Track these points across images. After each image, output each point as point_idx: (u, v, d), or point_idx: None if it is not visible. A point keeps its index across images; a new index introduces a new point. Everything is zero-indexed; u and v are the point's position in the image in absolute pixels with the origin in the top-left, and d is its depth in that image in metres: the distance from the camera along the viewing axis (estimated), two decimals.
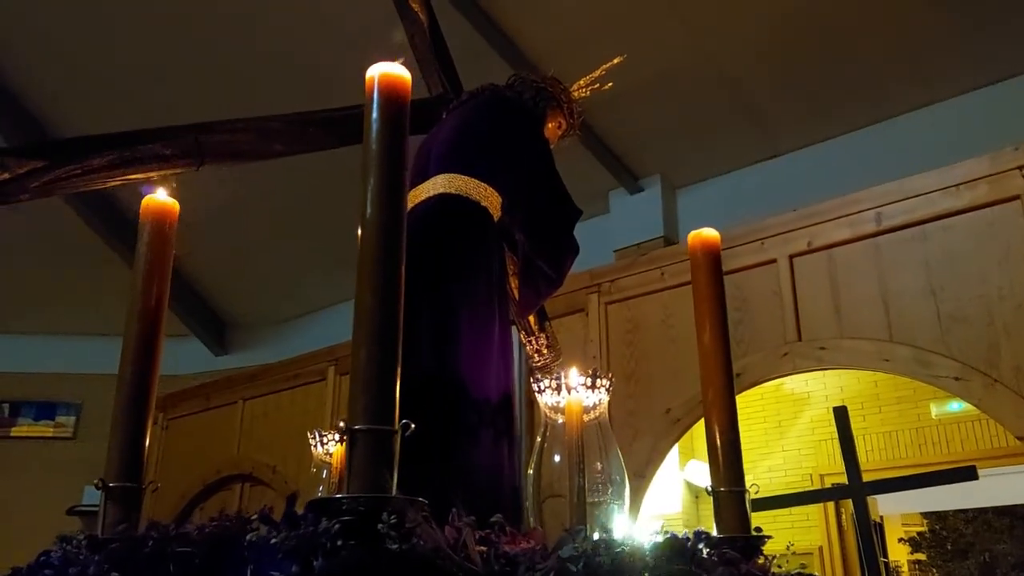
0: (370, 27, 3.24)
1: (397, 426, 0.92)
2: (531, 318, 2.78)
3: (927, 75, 5.27)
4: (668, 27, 5.23)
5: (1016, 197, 3.80)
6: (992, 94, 5.20)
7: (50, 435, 7.40)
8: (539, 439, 1.43)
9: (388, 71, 1.10)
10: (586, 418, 1.39)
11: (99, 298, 6.35)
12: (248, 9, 5.31)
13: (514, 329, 2.65)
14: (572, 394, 1.36)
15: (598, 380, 1.41)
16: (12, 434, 7.42)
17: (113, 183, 2.48)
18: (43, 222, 5.66)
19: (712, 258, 1.52)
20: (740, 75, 5.52)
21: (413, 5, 3.25)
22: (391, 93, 1.09)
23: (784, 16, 5.07)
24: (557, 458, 1.39)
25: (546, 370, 2.62)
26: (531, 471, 1.41)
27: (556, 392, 1.39)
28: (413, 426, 0.90)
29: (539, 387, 1.42)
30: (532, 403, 1.64)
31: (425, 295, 1.97)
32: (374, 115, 1.08)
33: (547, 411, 1.42)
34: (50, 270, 6.79)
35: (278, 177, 4.69)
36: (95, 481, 1.24)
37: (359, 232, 1.03)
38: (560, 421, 1.38)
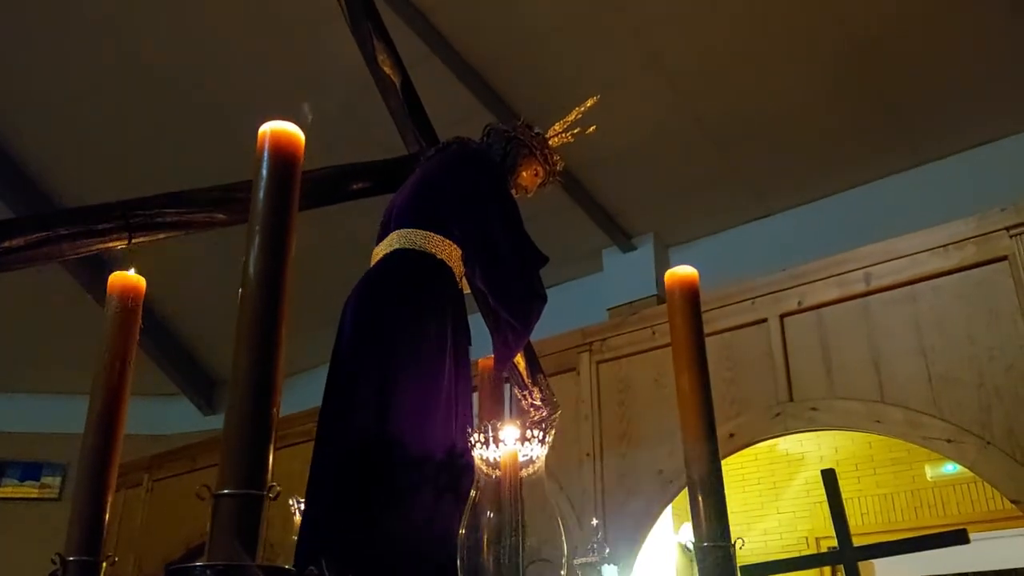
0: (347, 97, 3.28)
1: (265, 491, 0.89)
2: (523, 372, 2.68)
3: (914, 138, 5.32)
4: (659, 90, 5.28)
5: (1004, 258, 3.78)
6: (978, 156, 5.23)
7: (35, 496, 7.29)
8: (472, 496, 1.38)
9: (280, 128, 1.09)
10: (524, 473, 1.34)
11: (86, 356, 6.29)
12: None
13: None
14: (503, 447, 1.32)
15: (529, 433, 1.36)
16: None
17: (40, 262, 2.47)
18: (30, 279, 5.64)
19: (690, 298, 1.42)
20: (730, 136, 5.56)
21: (384, 68, 3.29)
22: (281, 151, 1.07)
23: (771, 79, 5.13)
24: (490, 515, 1.33)
25: (544, 425, 2.51)
26: (462, 531, 1.35)
27: (485, 446, 1.34)
28: (279, 489, 0.88)
29: (471, 442, 1.37)
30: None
31: (369, 352, 1.94)
32: (263, 172, 1.06)
33: (481, 466, 1.37)
34: (37, 328, 6.74)
35: None
36: (52, 556, 1.25)
37: (239, 292, 1.01)
38: (495, 477, 1.33)
